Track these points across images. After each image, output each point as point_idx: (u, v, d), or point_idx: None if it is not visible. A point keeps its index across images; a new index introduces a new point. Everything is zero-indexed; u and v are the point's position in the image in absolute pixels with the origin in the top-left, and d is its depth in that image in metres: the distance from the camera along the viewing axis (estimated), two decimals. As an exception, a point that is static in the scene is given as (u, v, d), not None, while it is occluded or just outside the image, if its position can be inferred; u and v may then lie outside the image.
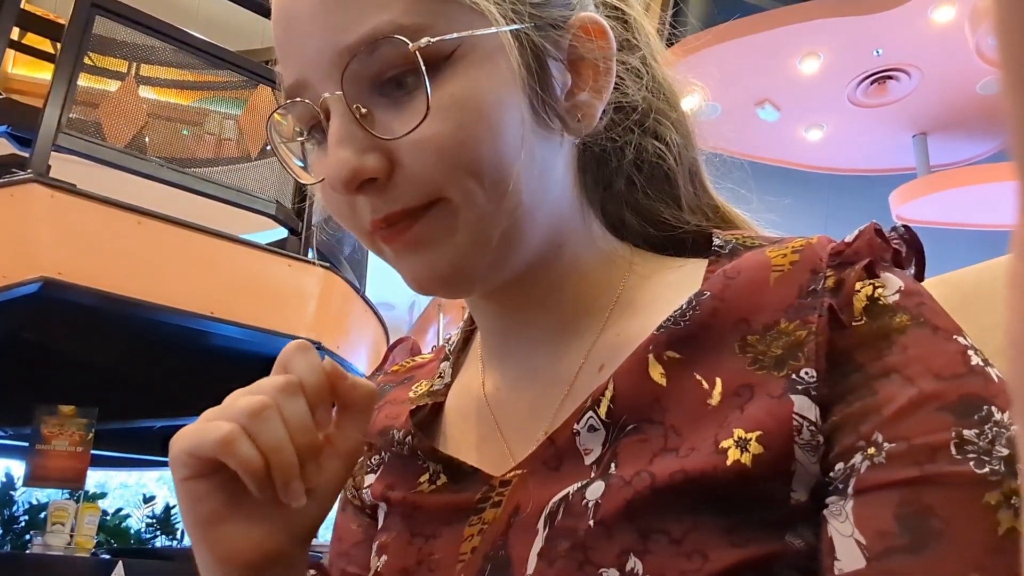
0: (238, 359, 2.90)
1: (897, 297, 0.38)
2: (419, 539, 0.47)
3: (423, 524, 0.48)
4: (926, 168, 5.97)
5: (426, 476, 0.50)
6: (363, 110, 0.41)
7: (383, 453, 0.55)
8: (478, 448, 0.49)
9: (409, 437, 0.51)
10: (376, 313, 3.64)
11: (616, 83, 0.47)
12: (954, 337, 0.37)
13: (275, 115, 0.47)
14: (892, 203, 5.94)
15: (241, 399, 0.40)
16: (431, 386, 0.55)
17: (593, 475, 0.41)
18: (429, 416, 0.53)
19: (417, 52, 0.39)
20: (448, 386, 0.55)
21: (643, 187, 0.50)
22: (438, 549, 0.46)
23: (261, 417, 0.39)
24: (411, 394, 0.56)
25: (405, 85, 0.41)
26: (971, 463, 0.33)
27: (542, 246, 0.46)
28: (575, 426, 0.43)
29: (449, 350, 0.58)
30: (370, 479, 0.55)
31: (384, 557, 0.49)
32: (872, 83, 5.55)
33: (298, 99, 0.43)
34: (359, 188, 0.41)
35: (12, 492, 3.76)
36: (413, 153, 0.40)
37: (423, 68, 0.39)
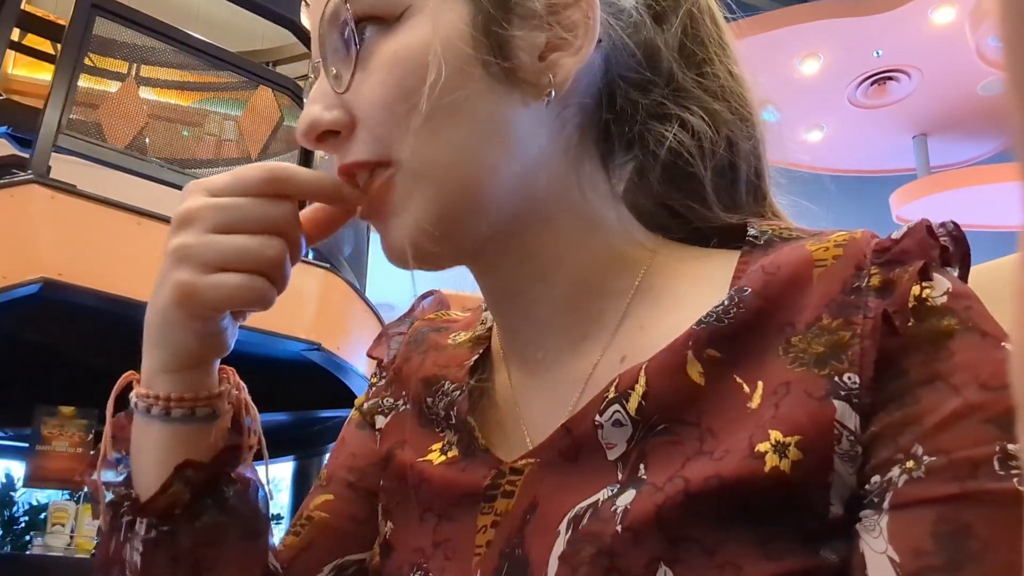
0: (237, 360, 2.89)
1: (945, 299, 0.36)
2: (430, 516, 0.46)
3: (431, 499, 0.47)
4: (926, 169, 5.98)
5: (439, 445, 0.49)
6: (334, 71, 0.44)
7: (403, 400, 0.53)
8: (496, 430, 0.48)
9: (458, 392, 0.49)
10: (376, 314, 3.63)
11: (646, 60, 0.45)
12: (1002, 344, 0.35)
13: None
14: (892, 204, 5.95)
15: (263, 248, 0.43)
16: (475, 332, 0.54)
17: (619, 474, 0.39)
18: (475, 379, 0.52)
19: (347, 7, 0.42)
20: (491, 330, 0.53)
21: (674, 171, 0.48)
22: (453, 535, 0.44)
23: (283, 266, 0.44)
24: (450, 341, 0.54)
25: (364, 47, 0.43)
26: (1015, 480, 0.31)
27: (517, 214, 0.44)
28: (597, 418, 0.41)
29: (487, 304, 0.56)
30: (381, 421, 0.54)
31: (391, 524, 0.49)
32: (872, 84, 5.56)
33: (312, 76, 0.47)
34: (320, 140, 0.44)
35: (12, 493, 3.75)
36: (364, 108, 0.43)
37: (351, 24, 0.42)
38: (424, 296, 0.64)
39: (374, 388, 0.58)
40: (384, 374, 0.57)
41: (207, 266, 0.42)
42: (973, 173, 5.78)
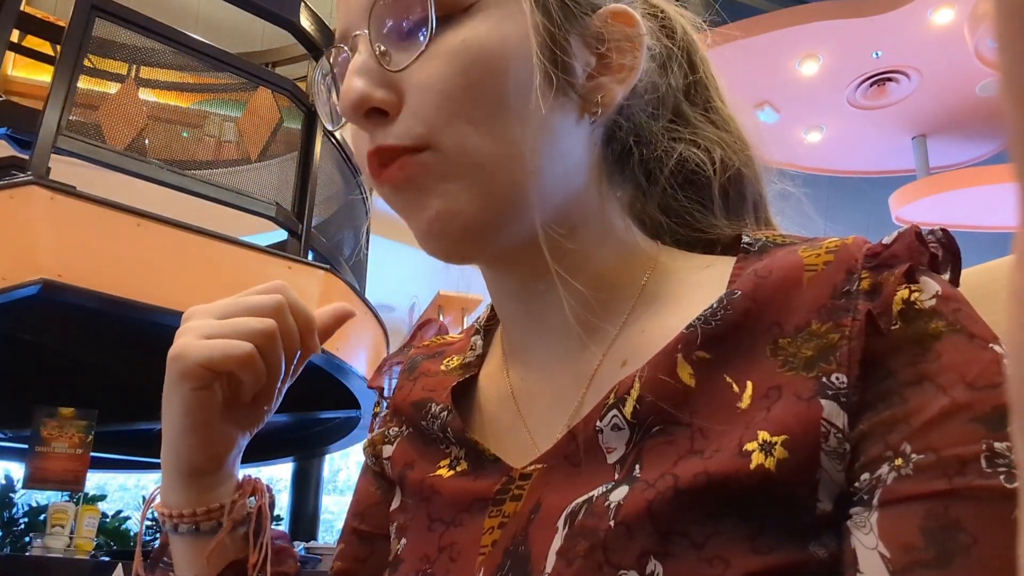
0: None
1: (934, 302, 0.37)
2: (438, 525, 0.48)
3: (442, 510, 0.48)
4: (926, 170, 5.98)
5: (446, 461, 0.50)
6: (382, 48, 0.43)
7: (404, 426, 0.55)
8: (502, 437, 0.49)
9: (445, 412, 0.51)
10: (376, 315, 3.63)
11: (656, 97, 0.49)
12: (990, 345, 0.35)
13: (320, 70, 0.49)
14: (892, 205, 5.95)
15: (251, 321, 0.48)
16: (464, 359, 0.56)
17: (616, 476, 0.41)
18: (464, 397, 0.53)
19: None
20: (480, 358, 0.56)
21: (677, 184, 0.51)
22: (459, 538, 0.46)
23: (272, 338, 0.48)
24: (442, 367, 0.56)
25: (425, 32, 0.43)
26: (1001, 477, 0.32)
27: (550, 220, 0.45)
28: (598, 423, 0.42)
29: (479, 326, 0.59)
30: (388, 450, 0.56)
31: (404, 540, 0.50)
32: (871, 85, 5.56)
33: (338, 46, 0.47)
34: (367, 116, 0.43)
35: (12, 494, 3.75)
36: (417, 91, 0.42)
37: (432, 10, 0.41)
38: (421, 324, 0.66)
39: (378, 418, 0.61)
40: (387, 404, 0.60)
41: (202, 335, 0.47)
42: (972, 174, 5.78)
